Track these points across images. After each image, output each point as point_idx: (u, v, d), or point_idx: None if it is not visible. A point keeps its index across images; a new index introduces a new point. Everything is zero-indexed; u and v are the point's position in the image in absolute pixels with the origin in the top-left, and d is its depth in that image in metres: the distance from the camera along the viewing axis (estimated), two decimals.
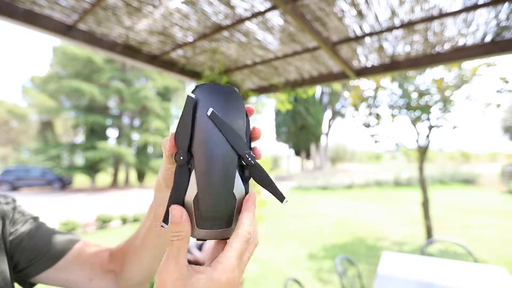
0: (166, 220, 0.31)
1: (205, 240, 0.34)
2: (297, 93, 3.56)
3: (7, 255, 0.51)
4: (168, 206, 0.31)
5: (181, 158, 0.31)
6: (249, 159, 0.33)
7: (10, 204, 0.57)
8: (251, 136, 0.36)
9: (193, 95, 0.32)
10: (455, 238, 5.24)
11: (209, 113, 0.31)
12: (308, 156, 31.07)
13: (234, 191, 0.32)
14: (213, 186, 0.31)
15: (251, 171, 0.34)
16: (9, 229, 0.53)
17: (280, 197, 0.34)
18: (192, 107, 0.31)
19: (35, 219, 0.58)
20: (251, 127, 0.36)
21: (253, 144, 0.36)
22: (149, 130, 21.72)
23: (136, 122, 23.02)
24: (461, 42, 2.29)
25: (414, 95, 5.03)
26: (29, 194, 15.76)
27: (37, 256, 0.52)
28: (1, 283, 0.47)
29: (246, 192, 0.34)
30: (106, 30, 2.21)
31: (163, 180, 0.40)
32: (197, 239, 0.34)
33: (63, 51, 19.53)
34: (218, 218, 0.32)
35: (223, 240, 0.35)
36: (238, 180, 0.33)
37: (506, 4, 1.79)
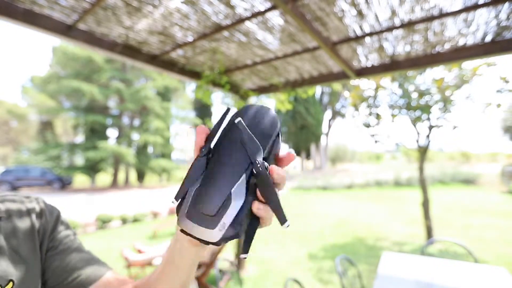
0: (177, 197, 0.34)
1: (187, 234, 0.33)
2: (297, 93, 3.56)
3: (41, 270, 0.52)
4: (180, 188, 0.34)
5: (203, 150, 0.35)
6: (259, 166, 0.32)
7: (54, 214, 0.58)
8: (277, 156, 0.37)
9: (229, 107, 0.37)
10: (455, 238, 5.24)
11: (236, 121, 0.35)
12: (308, 156, 31.06)
13: (232, 191, 0.32)
14: (214, 180, 0.33)
15: (258, 180, 0.32)
16: (48, 243, 0.54)
17: (282, 219, 0.31)
18: (225, 115, 0.37)
19: (75, 240, 0.58)
20: (283, 150, 0.38)
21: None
22: (149, 130, 21.71)
23: (136, 122, 23.01)
24: (461, 42, 2.29)
25: (414, 95, 5.03)
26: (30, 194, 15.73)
27: (66, 280, 0.52)
28: None
29: (246, 200, 0.32)
30: (106, 30, 2.21)
31: None
32: (180, 230, 0.34)
33: (63, 51, 19.52)
34: (206, 213, 0.32)
35: (201, 241, 0.33)
36: (241, 184, 0.32)
37: (506, 4, 1.79)
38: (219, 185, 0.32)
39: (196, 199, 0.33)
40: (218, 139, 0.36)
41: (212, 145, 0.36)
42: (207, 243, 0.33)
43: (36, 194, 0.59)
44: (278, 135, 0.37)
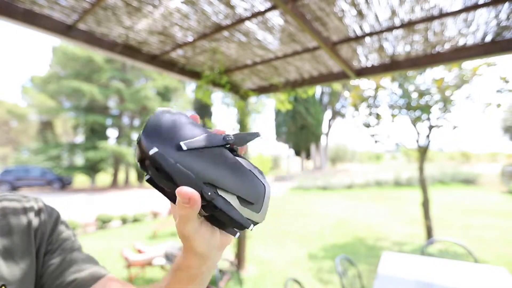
0: (237, 228, 0.36)
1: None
2: (297, 93, 3.56)
3: (37, 274, 0.50)
4: (229, 228, 0.37)
5: (209, 193, 0.34)
6: (228, 138, 0.35)
7: (53, 216, 0.56)
8: (205, 127, 0.37)
9: (154, 151, 0.30)
10: (455, 238, 5.24)
11: (182, 147, 0.31)
12: (308, 156, 31.06)
13: (247, 167, 0.36)
14: (235, 178, 0.35)
15: (235, 142, 0.36)
16: (46, 246, 0.53)
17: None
18: (165, 160, 0.30)
19: (74, 242, 0.57)
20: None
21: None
22: None
23: (136, 122, 23.01)
24: (461, 42, 2.29)
25: (414, 95, 5.03)
26: (29, 194, 15.74)
27: (63, 283, 0.51)
28: None
29: (247, 160, 0.37)
30: (106, 30, 2.21)
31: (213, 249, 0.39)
32: (262, 220, 0.37)
33: (63, 51, 19.52)
34: (258, 198, 0.37)
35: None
36: (242, 160, 0.36)
37: (506, 4, 1.79)
38: (241, 176, 0.35)
39: (248, 201, 0.35)
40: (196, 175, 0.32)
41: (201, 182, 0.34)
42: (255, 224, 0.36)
43: (35, 195, 0.58)
44: (188, 117, 0.36)
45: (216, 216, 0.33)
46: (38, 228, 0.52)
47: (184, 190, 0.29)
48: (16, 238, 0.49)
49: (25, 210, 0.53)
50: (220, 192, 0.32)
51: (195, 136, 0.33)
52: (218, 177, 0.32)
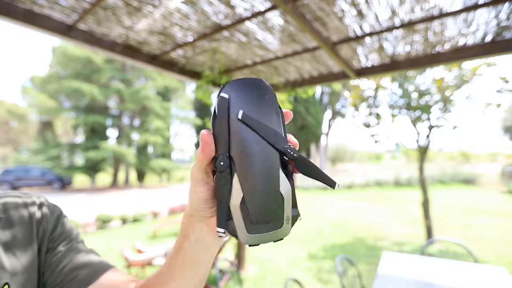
0: (220, 224, 0.31)
1: (258, 245, 0.32)
2: (297, 93, 3.56)
3: (39, 271, 0.50)
4: (218, 212, 0.32)
5: (222, 163, 0.30)
6: (291, 153, 0.31)
7: (55, 213, 0.56)
8: (285, 127, 0.34)
9: (226, 95, 0.31)
10: (455, 238, 5.23)
11: (239, 116, 0.30)
12: (308, 156, 31.06)
13: (280, 190, 0.31)
14: (259, 188, 0.30)
15: (296, 165, 0.32)
16: (48, 243, 0.52)
17: (331, 184, 0.31)
18: (226, 109, 0.31)
19: (75, 239, 0.57)
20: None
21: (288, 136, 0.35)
22: (149, 130, 21.72)
23: (136, 122, 23.01)
24: (461, 42, 2.29)
25: (414, 95, 5.03)
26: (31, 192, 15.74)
27: (65, 279, 0.51)
28: None
29: (293, 189, 0.33)
30: (106, 30, 2.21)
31: (198, 204, 0.36)
32: (249, 245, 0.32)
33: (63, 51, 19.52)
34: (268, 221, 0.31)
35: (276, 241, 0.33)
36: (283, 177, 0.31)
37: (507, 4, 1.79)
38: (265, 190, 0.30)
39: (250, 213, 0.30)
40: (232, 144, 0.30)
41: (226, 151, 0.31)
42: (281, 239, 0.33)
43: (38, 193, 0.58)
44: (279, 106, 0.34)
45: (216, 186, 0.32)
46: (40, 224, 0.52)
47: (204, 132, 0.31)
48: (18, 233, 0.49)
49: (26, 206, 0.52)
50: (234, 176, 0.31)
51: (269, 120, 0.31)
52: (242, 163, 0.30)
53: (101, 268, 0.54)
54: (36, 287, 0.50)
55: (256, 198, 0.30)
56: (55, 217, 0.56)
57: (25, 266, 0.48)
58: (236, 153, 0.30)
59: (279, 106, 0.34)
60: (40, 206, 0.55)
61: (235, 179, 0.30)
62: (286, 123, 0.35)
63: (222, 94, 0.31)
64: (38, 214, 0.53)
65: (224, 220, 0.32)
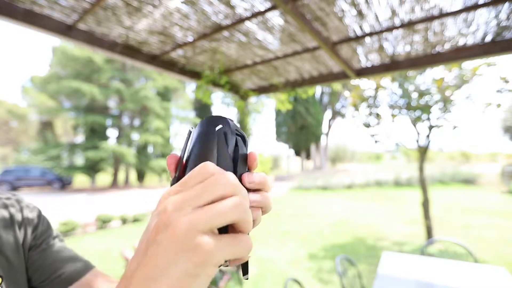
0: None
1: None
2: (297, 93, 3.56)
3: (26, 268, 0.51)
4: None
5: (172, 183, 0.33)
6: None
7: (35, 211, 0.57)
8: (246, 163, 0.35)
9: (191, 129, 0.35)
10: (455, 238, 5.24)
11: (194, 143, 0.33)
12: (308, 156, 31.07)
13: None
14: None
15: None
16: (30, 241, 0.53)
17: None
18: (187, 138, 0.35)
19: (57, 237, 0.58)
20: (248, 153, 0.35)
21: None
22: (149, 130, 21.72)
23: (136, 122, 23.01)
24: (461, 42, 2.29)
25: (414, 95, 5.03)
26: (29, 194, 15.76)
27: (48, 278, 0.52)
28: None
29: None
30: (106, 30, 2.21)
31: None
32: None
33: (63, 51, 19.52)
34: None
35: None
36: None
37: (507, 4, 1.79)
38: None
39: None
40: (188, 166, 0.33)
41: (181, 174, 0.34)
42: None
43: (14, 192, 0.58)
44: (243, 140, 0.35)
45: None
46: (21, 224, 0.53)
47: (170, 155, 0.33)
48: (3, 237, 0.49)
49: (6, 207, 0.53)
50: None
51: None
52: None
53: (85, 268, 0.56)
54: (26, 283, 0.51)
55: None
56: (36, 216, 0.56)
57: (16, 264, 0.49)
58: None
59: (244, 141, 0.35)
60: (20, 206, 0.55)
61: None
62: (252, 165, 0.35)
63: (190, 129, 0.36)
64: (18, 213, 0.54)
65: None
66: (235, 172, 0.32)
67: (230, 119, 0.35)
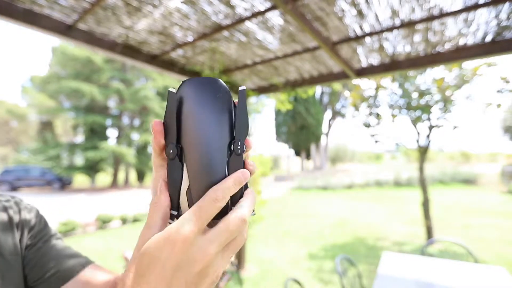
0: (173, 207, 0.33)
1: None
2: (297, 93, 3.56)
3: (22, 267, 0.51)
4: (170, 196, 0.33)
5: (170, 151, 0.32)
6: (238, 147, 0.32)
7: (33, 212, 0.57)
8: (240, 125, 0.34)
9: (173, 90, 0.33)
10: (455, 238, 5.23)
11: (190, 109, 0.32)
12: (308, 156, 31.07)
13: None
14: (201, 177, 0.31)
15: (232, 159, 0.33)
16: (27, 240, 0.53)
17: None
18: (175, 101, 0.32)
19: (54, 236, 0.58)
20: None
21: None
22: (149, 130, 21.72)
23: (136, 122, 23.01)
24: (461, 42, 2.29)
25: (415, 95, 5.03)
26: (28, 194, 15.75)
27: (44, 275, 0.52)
28: None
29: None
30: (106, 30, 2.21)
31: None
32: None
33: (63, 51, 19.52)
34: None
35: None
36: (226, 169, 0.32)
37: (507, 4, 1.79)
38: (210, 178, 0.31)
39: (194, 200, 0.31)
40: (182, 133, 0.32)
41: (175, 140, 0.32)
42: None
43: (13, 195, 0.58)
44: (234, 105, 0.34)
45: (167, 173, 0.33)
46: (19, 225, 0.53)
47: (155, 121, 0.32)
48: (2, 236, 0.50)
49: (5, 210, 0.53)
50: (184, 164, 0.32)
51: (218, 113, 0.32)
52: (189, 153, 0.31)
53: (81, 264, 0.55)
54: (23, 282, 0.51)
55: (197, 187, 0.31)
56: (33, 215, 0.57)
57: (12, 265, 0.49)
58: (185, 143, 0.32)
59: (234, 105, 0.35)
60: (17, 206, 0.56)
61: (185, 167, 0.32)
62: (247, 151, 0.35)
63: (171, 89, 0.33)
64: (16, 215, 0.54)
65: (175, 205, 0.33)
66: (240, 139, 0.33)
67: (216, 79, 0.34)
